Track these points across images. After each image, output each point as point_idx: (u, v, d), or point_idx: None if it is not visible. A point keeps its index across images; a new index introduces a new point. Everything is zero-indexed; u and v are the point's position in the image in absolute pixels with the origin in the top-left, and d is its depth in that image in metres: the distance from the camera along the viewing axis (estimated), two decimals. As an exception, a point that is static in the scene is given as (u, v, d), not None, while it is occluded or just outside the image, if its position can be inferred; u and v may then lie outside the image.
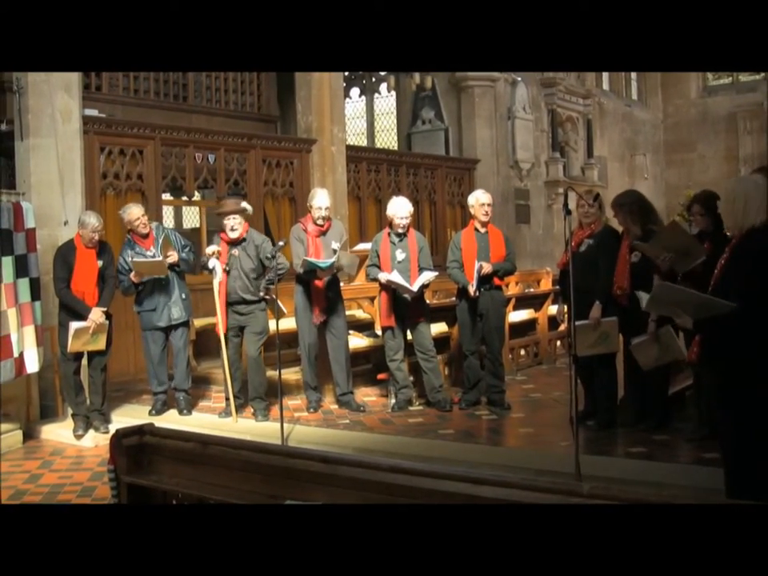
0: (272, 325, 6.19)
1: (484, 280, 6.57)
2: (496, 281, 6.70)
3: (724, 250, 3.70)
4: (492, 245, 6.69)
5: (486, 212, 6.70)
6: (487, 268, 6.52)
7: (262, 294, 6.66)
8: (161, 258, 6.60)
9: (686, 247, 4.74)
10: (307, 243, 6.75)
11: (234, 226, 6.57)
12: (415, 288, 6.55)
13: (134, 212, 6.74)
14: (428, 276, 6.63)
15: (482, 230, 6.75)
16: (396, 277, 6.52)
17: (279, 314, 6.14)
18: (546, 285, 9.93)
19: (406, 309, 6.71)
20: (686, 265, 4.70)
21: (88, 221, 6.32)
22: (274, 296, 6.26)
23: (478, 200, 6.76)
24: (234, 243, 6.62)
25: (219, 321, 6.60)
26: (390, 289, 6.66)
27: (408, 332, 6.82)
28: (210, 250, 6.56)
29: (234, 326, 6.67)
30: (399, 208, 6.77)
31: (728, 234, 3.88)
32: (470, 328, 6.77)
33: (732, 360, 3.48)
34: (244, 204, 6.86)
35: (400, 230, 6.73)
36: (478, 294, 6.56)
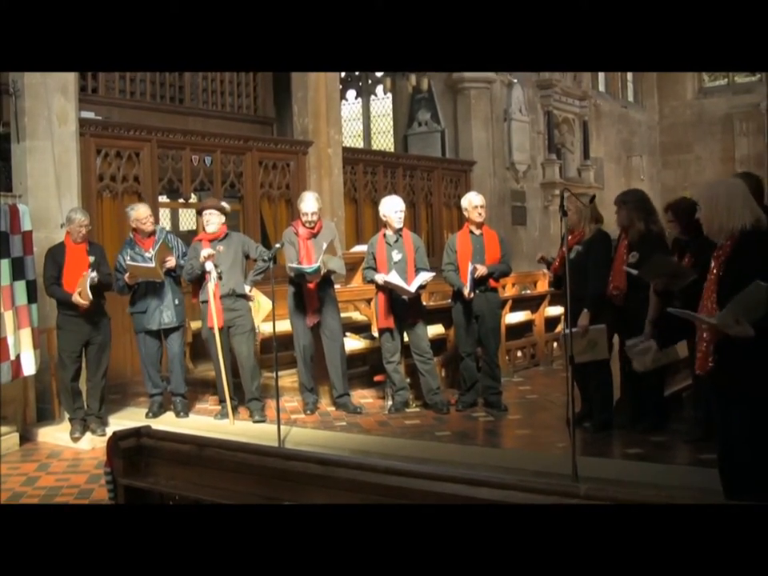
0: (268, 326, 6.17)
1: (479, 282, 6.56)
2: (491, 282, 6.70)
3: (706, 258, 3.66)
4: (487, 246, 6.69)
5: (480, 213, 6.70)
6: (481, 270, 6.52)
7: (248, 288, 6.69)
8: (153, 265, 6.61)
9: (673, 272, 4.90)
10: (299, 246, 6.75)
11: (210, 220, 6.71)
12: (413, 288, 6.54)
13: (142, 210, 6.82)
14: (426, 277, 6.62)
15: (477, 232, 6.75)
16: (393, 277, 6.51)
17: (270, 307, 6.15)
18: (543, 286, 9.94)
19: (403, 310, 6.70)
20: (680, 284, 4.85)
21: (74, 216, 6.41)
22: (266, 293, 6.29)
23: (471, 202, 6.77)
24: (216, 240, 6.69)
25: (214, 316, 6.56)
26: (387, 290, 6.65)
27: (405, 334, 6.82)
28: (205, 253, 6.56)
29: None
30: (393, 204, 6.80)
31: (710, 239, 3.76)
32: (465, 330, 6.76)
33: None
34: (223, 203, 7.06)
35: (398, 225, 6.73)
36: (472, 295, 6.56)
